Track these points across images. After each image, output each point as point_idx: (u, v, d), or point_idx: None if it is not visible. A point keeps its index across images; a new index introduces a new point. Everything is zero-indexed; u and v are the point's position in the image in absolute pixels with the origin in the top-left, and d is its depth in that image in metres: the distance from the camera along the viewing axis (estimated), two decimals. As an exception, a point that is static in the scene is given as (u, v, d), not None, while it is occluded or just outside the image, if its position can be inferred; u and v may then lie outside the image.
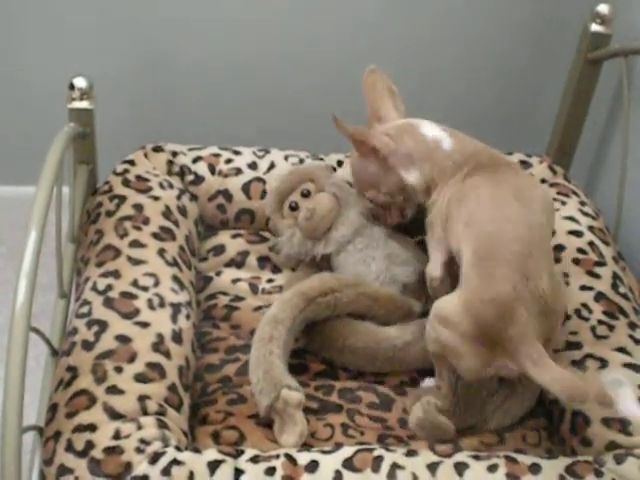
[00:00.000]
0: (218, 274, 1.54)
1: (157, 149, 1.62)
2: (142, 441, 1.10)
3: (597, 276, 1.45)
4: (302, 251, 1.49)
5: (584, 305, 1.39)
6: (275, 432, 1.24)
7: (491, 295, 1.16)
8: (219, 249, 1.58)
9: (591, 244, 1.51)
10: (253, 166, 1.63)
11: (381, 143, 1.34)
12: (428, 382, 1.35)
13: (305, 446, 1.22)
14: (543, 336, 1.17)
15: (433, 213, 1.32)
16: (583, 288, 1.43)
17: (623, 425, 1.21)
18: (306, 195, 1.50)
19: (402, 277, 1.43)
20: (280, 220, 1.52)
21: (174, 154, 1.62)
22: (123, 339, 1.23)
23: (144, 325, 1.26)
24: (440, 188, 1.32)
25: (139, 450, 1.09)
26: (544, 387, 1.15)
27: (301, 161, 1.64)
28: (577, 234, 1.52)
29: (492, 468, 1.12)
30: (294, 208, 1.49)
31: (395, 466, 1.11)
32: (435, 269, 1.30)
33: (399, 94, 1.45)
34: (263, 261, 1.57)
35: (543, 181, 1.67)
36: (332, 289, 1.36)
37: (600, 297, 1.41)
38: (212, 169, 1.61)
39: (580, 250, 1.49)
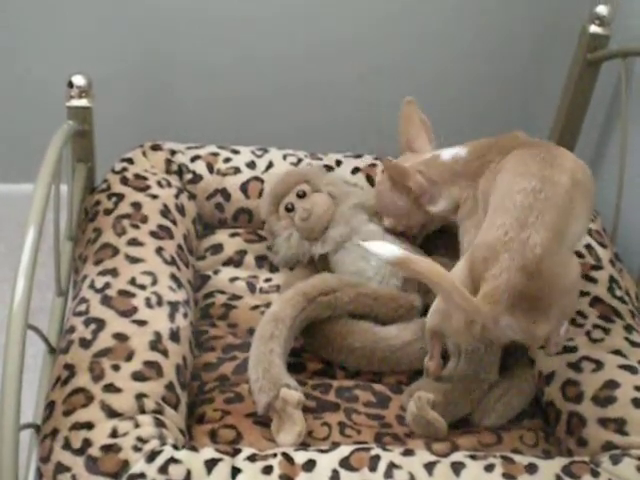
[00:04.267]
0: (216, 273, 1.54)
1: (155, 147, 1.62)
2: (139, 439, 1.10)
3: (594, 280, 1.45)
4: (300, 252, 1.49)
5: (579, 313, 1.39)
6: (273, 430, 1.24)
7: (484, 239, 1.18)
8: (217, 248, 1.58)
9: (588, 247, 1.51)
10: (251, 165, 1.63)
11: (416, 185, 1.38)
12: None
13: (302, 445, 1.22)
14: (523, 295, 1.12)
15: (465, 222, 1.35)
16: (580, 293, 1.43)
17: (619, 425, 1.21)
18: (302, 196, 1.50)
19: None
20: (276, 222, 1.52)
21: (172, 153, 1.62)
22: (120, 337, 1.23)
23: (142, 323, 1.26)
24: (467, 195, 1.35)
25: (136, 448, 1.09)
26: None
27: (299, 160, 1.64)
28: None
29: (489, 468, 1.13)
30: (290, 209, 1.50)
31: (392, 465, 1.11)
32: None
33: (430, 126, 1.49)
34: (261, 260, 1.57)
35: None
36: (333, 289, 1.37)
37: (595, 302, 1.41)
38: (210, 168, 1.61)
39: (577, 254, 1.49)
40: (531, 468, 1.13)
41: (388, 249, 1.16)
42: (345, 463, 1.12)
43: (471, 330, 1.14)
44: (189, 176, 1.61)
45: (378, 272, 1.43)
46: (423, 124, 1.48)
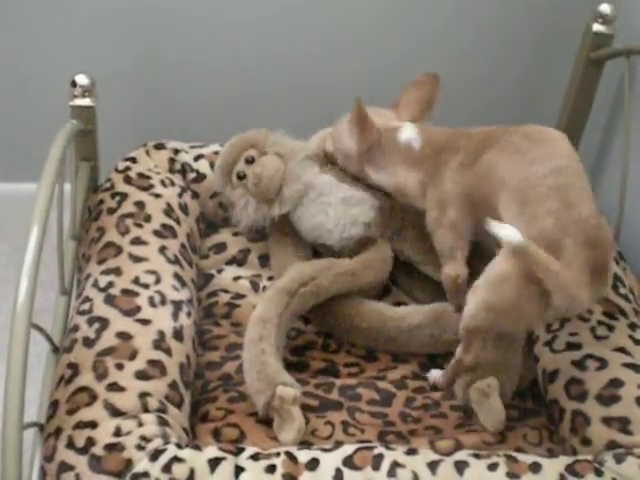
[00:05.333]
0: (219, 272, 1.54)
1: (159, 147, 1.62)
2: (143, 438, 1.11)
3: None
4: (259, 217, 1.50)
5: None
6: (275, 430, 1.24)
7: (536, 231, 1.16)
8: (220, 247, 1.58)
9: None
10: (254, 164, 1.63)
11: (367, 140, 1.37)
12: (435, 373, 1.37)
13: (305, 444, 1.22)
14: (592, 265, 1.16)
15: (435, 211, 1.34)
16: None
17: (623, 424, 1.21)
18: (250, 161, 1.50)
19: (362, 217, 1.45)
20: (232, 192, 1.52)
21: (176, 152, 1.62)
22: (124, 336, 1.23)
23: (145, 322, 1.26)
24: (432, 186, 1.34)
25: (140, 447, 1.09)
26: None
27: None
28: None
29: (492, 467, 1.13)
30: (242, 177, 1.50)
31: (395, 464, 1.11)
32: (460, 267, 1.32)
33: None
34: (264, 259, 1.57)
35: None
36: (311, 276, 1.38)
37: (600, 299, 1.40)
38: (214, 167, 1.61)
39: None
40: (535, 467, 1.13)
41: (515, 235, 1.15)
42: (348, 462, 1.12)
43: (544, 316, 1.19)
44: (192, 175, 1.61)
45: (337, 223, 1.44)
46: (425, 103, 1.45)
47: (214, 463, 1.10)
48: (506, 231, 1.16)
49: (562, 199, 1.17)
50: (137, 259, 1.36)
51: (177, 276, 1.37)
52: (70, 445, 1.10)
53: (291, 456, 1.12)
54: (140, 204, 1.47)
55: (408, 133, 1.38)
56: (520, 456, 1.16)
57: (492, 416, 1.28)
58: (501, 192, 1.24)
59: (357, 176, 1.46)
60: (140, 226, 1.43)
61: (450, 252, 1.34)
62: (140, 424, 1.13)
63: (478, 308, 1.22)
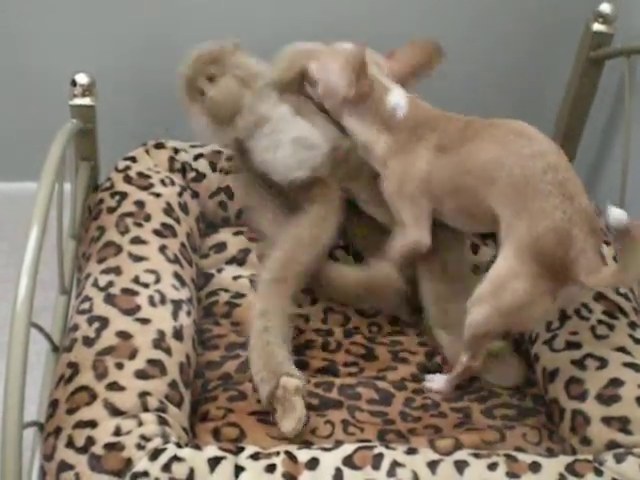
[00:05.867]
0: (219, 271, 1.54)
1: (159, 146, 1.62)
2: (142, 437, 1.11)
3: None
4: (214, 138, 1.50)
5: (584, 305, 1.39)
6: (277, 419, 1.24)
7: (546, 226, 1.19)
8: (220, 246, 1.58)
9: (592, 244, 1.51)
10: (254, 163, 1.63)
11: (357, 87, 1.35)
12: (436, 379, 1.37)
13: (305, 443, 1.22)
14: (598, 251, 1.22)
15: (396, 183, 1.36)
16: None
17: (623, 424, 1.21)
18: (211, 79, 1.48)
19: (309, 162, 1.44)
20: (191, 107, 1.50)
21: (176, 151, 1.62)
22: (124, 335, 1.23)
23: (145, 322, 1.26)
24: (399, 156, 1.35)
25: (139, 446, 1.09)
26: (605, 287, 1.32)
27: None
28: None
29: (492, 466, 1.13)
30: (201, 93, 1.48)
31: (395, 464, 1.11)
32: (424, 236, 1.36)
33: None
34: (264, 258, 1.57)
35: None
36: (287, 259, 1.40)
37: (600, 297, 1.40)
38: (213, 166, 1.61)
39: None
40: (535, 466, 1.13)
41: (624, 217, 1.16)
42: (348, 461, 1.12)
43: (553, 310, 1.28)
44: (192, 174, 1.61)
45: (284, 164, 1.44)
46: (420, 68, 1.44)
47: (214, 462, 1.10)
48: (616, 213, 1.16)
49: (564, 193, 1.20)
50: (137, 258, 1.36)
51: (177, 275, 1.37)
52: (70, 444, 1.10)
53: (291, 455, 1.12)
54: (140, 203, 1.47)
55: (397, 99, 1.38)
56: (520, 456, 1.16)
57: (512, 372, 1.35)
58: (491, 187, 1.26)
59: (327, 110, 1.44)
60: (140, 225, 1.43)
61: (413, 220, 1.36)
62: (140, 423, 1.13)
63: (489, 315, 1.25)
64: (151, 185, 1.51)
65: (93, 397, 1.15)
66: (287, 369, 1.25)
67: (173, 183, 1.55)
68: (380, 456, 1.13)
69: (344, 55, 1.38)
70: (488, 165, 1.27)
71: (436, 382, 1.37)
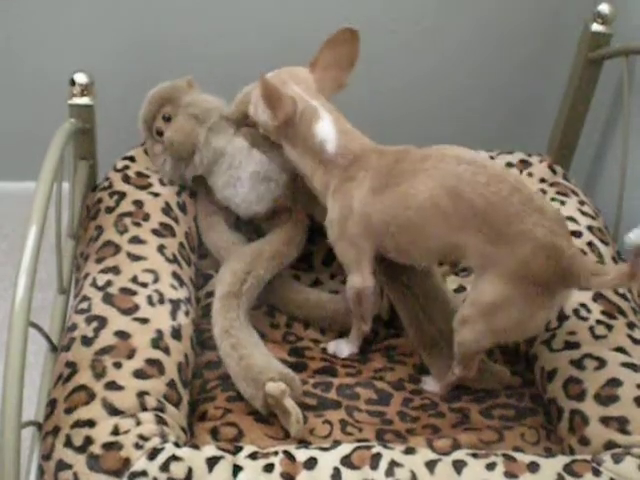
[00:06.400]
0: (217, 271, 1.54)
1: (157, 145, 1.62)
2: (141, 437, 1.10)
3: None
4: (177, 175, 1.52)
5: (582, 305, 1.39)
6: (285, 426, 1.25)
7: (532, 247, 1.16)
8: (219, 246, 1.58)
9: (590, 244, 1.51)
10: (253, 163, 1.62)
11: (282, 112, 1.29)
12: (431, 383, 1.38)
13: (303, 443, 1.22)
14: (579, 251, 1.24)
15: (336, 225, 1.31)
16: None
17: (621, 424, 1.21)
18: (167, 119, 1.50)
19: (268, 194, 1.47)
20: (152, 147, 1.54)
21: (174, 151, 1.62)
22: (122, 335, 1.23)
23: (143, 321, 1.26)
24: (336, 196, 1.30)
25: (138, 446, 1.09)
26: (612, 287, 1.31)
27: None
28: (576, 234, 1.52)
29: (490, 466, 1.12)
30: (160, 134, 1.51)
31: (393, 463, 1.11)
32: (367, 279, 1.32)
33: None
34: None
35: (543, 180, 1.67)
36: (245, 272, 1.39)
37: (599, 297, 1.40)
38: None
39: (580, 251, 1.49)
40: (533, 466, 1.13)
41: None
42: (346, 461, 1.12)
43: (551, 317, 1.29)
44: (191, 174, 1.61)
45: (244, 199, 1.46)
46: (345, 61, 1.37)
47: (212, 462, 1.10)
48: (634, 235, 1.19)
49: (534, 208, 1.18)
50: (135, 258, 1.36)
51: (175, 275, 1.37)
52: (68, 444, 1.10)
53: (289, 455, 1.12)
54: (139, 203, 1.47)
55: (325, 131, 1.31)
56: (518, 456, 1.16)
57: (491, 379, 1.35)
58: (447, 221, 1.21)
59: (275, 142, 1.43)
60: (139, 225, 1.43)
61: (355, 264, 1.33)
62: (138, 423, 1.13)
63: (481, 334, 1.24)
64: (150, 185, 1.51)
65: (91, 396, 1.14)
66: (268, 374, 1.25)
67: (172, 183, 1.55)
68: (378, 456, 1.13)
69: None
70: (437, 200, 1.21)
71: (432, 385, 1.37)
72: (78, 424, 1.11)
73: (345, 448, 1.14)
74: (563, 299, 1.24)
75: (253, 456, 1.12)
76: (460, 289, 1.55)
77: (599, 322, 1.36)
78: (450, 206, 1.20)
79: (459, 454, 1.15)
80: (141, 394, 1.16)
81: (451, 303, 1.39)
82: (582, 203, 1.62)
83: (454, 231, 1.21)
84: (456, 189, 1.20)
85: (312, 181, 1.35)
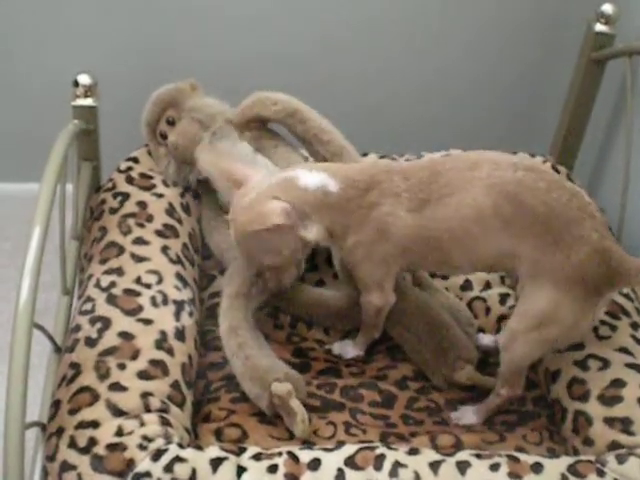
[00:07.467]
0: (222, 272, 1.54)
1: (161, 147, 1.62)
2: (145, 438, 1.11)
3: None
4: (180, 178, 1.53)
5: None
6: (290, 427, 1.25)
7: (587, 251, 1.18)
8: (222, 247, 1.58)
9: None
10: (256, 164, 1.63)
11: (283, 218, 1.21)
12: (466, 414, 1.34)
13: (307, 444, 1.22)
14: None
15: (367, 251, 1.28)
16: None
17: (625, 425, 1.21)
18: (171, 123, 1.51)
19: None
20: (156, 150, 1.55)
21: (178, 151, 1.62)
22: (126, 336, 1.23)
23: (147, 322, 1.26)
24: (356, 226, 1.26)
25: (142, 447, 1.09)
26: None
27: (306, 159, 1.62)
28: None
29: (494, 467, 1.12)
30: (164, 137, 1.52)
31: (397, 464, 1.11)
32: (389, 296, 1.32)
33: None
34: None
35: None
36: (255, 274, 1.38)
37: None
38: None
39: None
40: (537, 467, 1.13)
41: None
42: (350, 462, 1.12)
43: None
44: (194, 175, 1.61)
45: None
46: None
47: (216, 463, 1.10)
48: None
49: (588, 213, 1.20)
50: (139, 259, 1.36)
51: (179, 276, 1.37)
52: (72, 445, 1.10)
53: (293, 456, 1.12)
54: (142, 204, 1.47)
55: (319, 178, 1.25)
56: (522, 456, 1.15)
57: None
58: (497, 233, 1.20)
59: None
60: (142, 226, 1.43)
61: (378, 283, 1.32)
62: (142, 424, 1.13)
63: (534, 348, 1.25)
64: (153, 186, 1.52)
65: (95, 398, 1.15)
66: (274, 374, 1.25)
67: (175, 184, 1.55)
68: (382, 457, 1.12)
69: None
70: (498, 208, 1.19)
71: (469, 417, 1.33)
72: (82, 425, 1.12)
73: (349, 449, 1.14)
74: (607, 301, 1.25)
75: (257, 457, 1.12)
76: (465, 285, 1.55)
77: (603, 323, 1.36)
78: (511, 213, 1.20)
79: (463, 455, 1.15)
80: (145, 395, 1.17)
81: (441, 315, 1.40)
82: (586, 203, 1.62)
83: (513, 238, 1.21)
84: (518, 196, 1.19)
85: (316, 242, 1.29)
